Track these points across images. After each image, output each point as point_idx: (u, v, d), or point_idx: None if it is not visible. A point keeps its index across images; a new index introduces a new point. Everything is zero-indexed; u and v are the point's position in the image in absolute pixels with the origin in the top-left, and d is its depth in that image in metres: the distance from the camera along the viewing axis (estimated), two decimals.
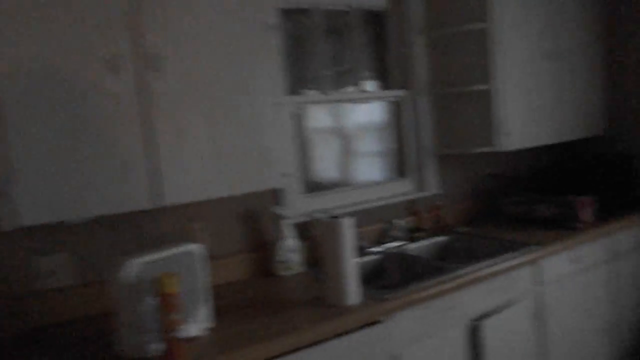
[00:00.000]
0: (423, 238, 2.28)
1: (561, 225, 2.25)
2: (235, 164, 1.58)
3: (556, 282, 2.07)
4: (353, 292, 1.55)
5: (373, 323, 1.55)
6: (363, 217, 2.23)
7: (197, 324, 1.42)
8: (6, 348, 1.45)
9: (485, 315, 1.82)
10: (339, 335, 1.47)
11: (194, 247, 1.43)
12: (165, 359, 1.25)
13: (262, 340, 1.35)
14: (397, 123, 2.43)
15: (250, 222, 1.98)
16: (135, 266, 1.28)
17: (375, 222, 2.27)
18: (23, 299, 1.55)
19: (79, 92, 1.32)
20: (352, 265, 1.55)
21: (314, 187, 2.19)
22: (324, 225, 1.55)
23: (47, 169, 1.29)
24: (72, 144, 1.32)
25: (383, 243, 2.20)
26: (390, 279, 2.09)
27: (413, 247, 2.21)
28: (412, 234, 2.29)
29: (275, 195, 2.01)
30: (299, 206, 2.09)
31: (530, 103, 2.34)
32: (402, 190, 2.43)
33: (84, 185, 1.34)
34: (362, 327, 1.52)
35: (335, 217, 1.56)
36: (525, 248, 1.98)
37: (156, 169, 1.44)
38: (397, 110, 2.43)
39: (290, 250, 1.94)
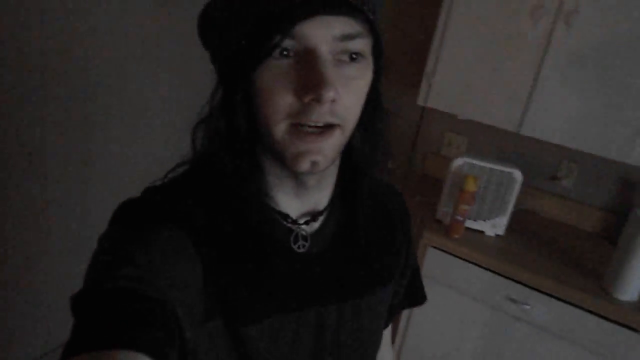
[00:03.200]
0: None
1: None
2: (605, 128, 1.66)
3: None
4: (627, 290, 1.53)
5: (631, 328, 1.52)
6: None
7: (490, 227, 1.83)
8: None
9: None
10: (593, 313, 1.56)
11: (515, 172, 1.76)
12: (446, 229, 1.79)
13: (529, 270, 1.64)
14: None
15: (621, 186, 1.97)
16: (461, 161, 1.78)
17: None
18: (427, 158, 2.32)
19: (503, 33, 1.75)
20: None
21: None
22: (636, 219, 1.52)
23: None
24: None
25: None
26: None
27: None
28: None
29: None
30: None
31: None
32: None
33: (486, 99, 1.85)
34: (616, 323, 1.53)
35: None
36: None
37: (528, 104, 1.76)
38: None
39: None
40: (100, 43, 1.84)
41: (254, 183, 0.60)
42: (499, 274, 1.68)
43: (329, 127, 0.54)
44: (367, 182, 0.67)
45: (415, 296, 0.86)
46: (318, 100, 0.50)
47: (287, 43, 0.50)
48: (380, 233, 0.73)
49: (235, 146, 0.57)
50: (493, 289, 1.71)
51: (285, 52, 0.51)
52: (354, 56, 0.53)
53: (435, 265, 1.77)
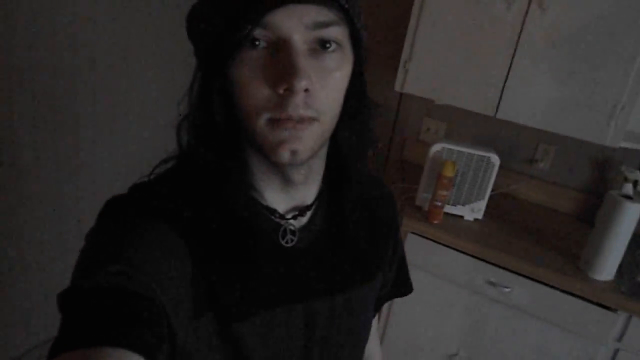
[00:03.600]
0: None
1: None
2: (579, 110, 1.67)
3: None
4: (604, 270, 1.55)
5: (607, 307, 1.54)
6: None
7: (469, 211, 1.83)
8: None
9: None
10: (570, 294, 1.59)
11: (493, 156, 1.77)
12: (426, 215, 1.79)
13: (508, 253, 1.66)
14: None
15: (597, 168, 2.00)
16: (439, 146, 1.78)
17: None
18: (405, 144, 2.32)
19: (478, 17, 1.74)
20: (618, 247, 1.52)
21: None
22: (611, 200, 1.54)
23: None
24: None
25: None
26: None
27: None
28: None
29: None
30: None
31: None
32: None
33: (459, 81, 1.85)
34: (593, 303, 1.56)
35: (630, 197, 1.51)
36: None
37: (504, 88, 1.76)
38: None
39: None
40: (86, 40, 1.81)
41: (240, 178, 0.59)
42: (478, 258, 1.70)
43: (306, 119, 0.53)
44: (354, 176, 0.67)
45: (402, 287, 0.86)
46: (291, 90, 0.49)
47: (259, 33, 0.50)
48: (368, 226, 0.73)
49: (217, 142, 0.57)
50: (473, 273, 1.72)
51: (257, 43, 0.50)
52: (327, 45, 0.52)
53: (416, 251, 1.77)
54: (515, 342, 1.72)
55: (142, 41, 2.03)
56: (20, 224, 1.77)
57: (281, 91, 0.50)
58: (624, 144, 1.69)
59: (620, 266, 1.58)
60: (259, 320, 0.59)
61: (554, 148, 2.05)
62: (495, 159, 1.77)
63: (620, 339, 1.56)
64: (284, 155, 0.54)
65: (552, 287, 1.61)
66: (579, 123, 1.68)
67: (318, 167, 0.65)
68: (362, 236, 0.71)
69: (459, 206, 1.84)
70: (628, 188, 1.79)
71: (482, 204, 1.82)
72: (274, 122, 0.53)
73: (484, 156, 1.77)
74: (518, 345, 1.72)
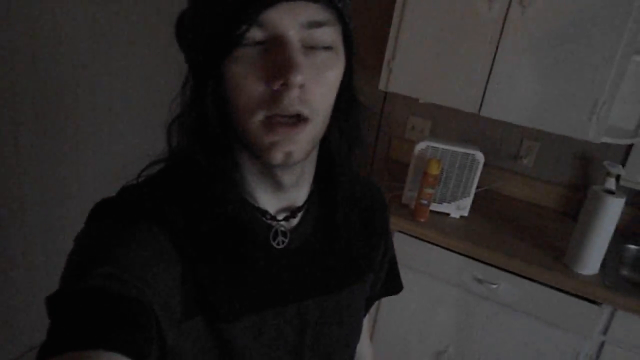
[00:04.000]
0: None
1: None
2: (561, 106, 1.69)
3: None
4: (588, 265, 1.57)
5: (591, 301, 1.56)
6: None
7: (455, 208, 1.84)
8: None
9: None
10: (556, 289, 1.60)
11: (477, 154, 1.78)
12: (412, 213, 1.80)
13: (494, 250, 1.67)
14: None
15: (580, 163, 2.02)
16: (424, 145, 1.79)
17: None
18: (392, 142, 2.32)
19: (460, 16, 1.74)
20: (601, 241, 1.54)
21: None
22: (594, 195, 1.55)
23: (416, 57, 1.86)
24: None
25: None
26: None
27: None
28: None
29: (624, 153, 1.93)
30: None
31: None
32: None
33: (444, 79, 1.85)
34: (578, 297, 1.57)
35: (612, 192, 1.53)
36: None
37: (487, 85, 1.77)
38: None
39: None
40: (73, 39, 1.79)
41: (231, 180, 0.59)
42: (465, 255, 1.71)
43: (300, 120, 0.53)
44: (345, 177, 0.67)
45: (392, 286, 0.87)
46: (286, 84, 0.50)
47: (255, 31, 0.50)
48: (359, 227, 0.73)
49: (209, 143, 0.56)
50: (460, 270, 1.73)
51: (253, 41, 0.51)
52: (321, 45, 0.53)
53: (403, 250, 1.77)
54: (503, 337, 1.73)
55: (126, 38, 2.01)
56: (3, 226, 1.75)
57: (277, 87, 0.50)
58: (605, 139, 1.71)
59: (604, 260, 1.60)
60: (250, 321, 0.59)
61: (538, 144, 2.07)
62: (480, 157, 1.78)
63: (605, 332, 1.58)
64: (278, 157, 0.54)
65: (537, 282, 1.62)
66: (561, 119, 1.69)
67: (309, 169, 0.65)
68: (353, 237, 0.71)
69: (444, 204, 1.85)
70: (611, 183, 1.81)
71: (467, 201, 1.83)
72: (268, 122, 0.53)
73: (469, 154, 1.78)
74: (506, 340, 1.73)
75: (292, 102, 0.51)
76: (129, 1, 1.97)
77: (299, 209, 0.65)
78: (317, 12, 0.51)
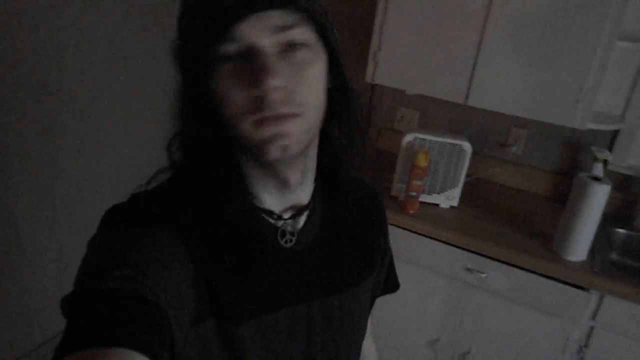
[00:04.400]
0: None
1: None
2: (547, 93, 1.69)
3: None
4: (576, 251, 1.58)
5: (579, 287, 1.58)
6: None
7: (445, 199, 1.85)
8: None
9: None
10: (545, 276, 1.62)
11: (464, 144, 1.78)
12: (402, 205, 1.80)
13: (484, 239, 1.68)
14: None
15: (568, 149, 2.03)
16: (412, 137, 1.79)
17: None
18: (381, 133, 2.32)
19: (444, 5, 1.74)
20: (588, 228, 1.55)
21: None
22: (580, 182, 1.56)
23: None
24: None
25: None
26: None
27: None
28: None
29: (611, 138, 1.94)
30: (634, 159, 1.93)
31: None
32: None
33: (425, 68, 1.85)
34: (567, 283, 1.59)
35: (596, 179, 1.54)
36: None
37: (473, 75, 1.77)
38: None
39: None
40: (69, 42, 1.78)
41: (236, 185, 0.61)
42: (454, 246, 1.72)
43: (289, 116, 0.54)
44: (346, 175, 0.69)
45: (391, 284, 0.89)
46: (264, 90, 0.52)
47: (229, 45, 0.52)
48: (361, 226, 0.75)
49: (209, 154, 0.59)
50: (450, 260, 1.74)
51: (229, 54, 0.53)
52: (296, 45, 0.54)
53: (393, 242, 1.78)
54: (493, 325, 1.75)
55: (125, 44, 2.00)
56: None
57: (256, 93, 0.52)
58: (592, 125, 1.71)
59: (593, 245, 1.62)
60: (261, 322, 0.61)
61: (526, 132, 2.08)
62: (467, 147, 1.78)
63: (594, 317, 1.60)
64: (273, 152, 0.55)
65: (526, 270, 1.64)
66: (547, 107, 1.70)
67: (311, 166, 0.66)
68: (357, 235, 0.73)
69: (434, 194, 1.86)
70: (598, 168, 1.82)
71: (456, 192, 1.84)
72: (258, 121, 0.54)
73: (456, 144, 1.79)
74: (497, 328, 1.75)
75: (274, 104, 0.53)
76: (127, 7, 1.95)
77: (304, 207, 0.66)
78: (286, 17, 0.53)
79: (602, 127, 1.76)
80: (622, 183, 1.96)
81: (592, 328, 1.62)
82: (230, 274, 0.59)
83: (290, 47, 0.54)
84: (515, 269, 1.65)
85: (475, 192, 2.02)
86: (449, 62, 1.78)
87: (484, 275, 1.69)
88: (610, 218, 1.91)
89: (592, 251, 1.63)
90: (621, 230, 1.86)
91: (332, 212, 0.70)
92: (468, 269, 1.71)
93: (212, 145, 0.58)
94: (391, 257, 0.88)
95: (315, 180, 0.68)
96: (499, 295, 1.71)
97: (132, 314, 0.46)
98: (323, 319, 0.67)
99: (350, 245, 0.72)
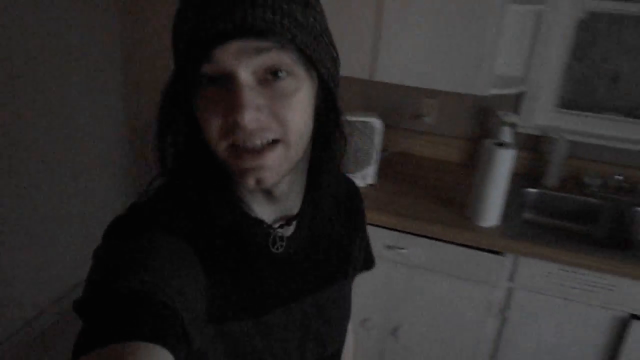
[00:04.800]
0: None
1: None
2: (449, 62, 1.68)
3: None
4: (488, 217, 1.61)
5: (493, 252, 1.60)
6: (620, 156, 1.92)
7: (361, 178, 1.83)
8: None
9: None
10: (462, 245, 1.63)
11: (374, 120, 1.75)
12: None
13: (401, 215, 1.67)
14: None
15: (477, 116, 2.05)
16: None
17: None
18: None
19: None
20: (497, 193, 1.57)
21: (574, 104, 1.98)
22: (485, 148, 1.57)
23: None
24: None
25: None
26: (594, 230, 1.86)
27: None
28: None
29: (516, 101, 1.97)
30: (540, 119, 1.98)
31: None
32: None
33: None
34: (482, 249, 1.61)
35: (501, 144, 1.55)
36: None
37: (375, 50, 1.73)
38: None
39: None
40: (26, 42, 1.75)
41: (228, 193, 0.62)
42: (372, 225, 1.70)
43: (268, 144, 0.55)
44: (330, 184, 0.69)
45: (368, 262, 0.92)
46: (238, 124, 0.52)
47: (207, 67, 0.52)
48: (345, 224, 0.79)
49: (199, 168, 0.60)
50: (371, 239, 1.72)
51: (207, 76, 0.53)
52: (278, 73, 0.53)
53: None
54: (421, 298, 1.76)
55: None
56: None
57: (231, 121, 0.53)
58: (494, 91, 1.73)
59: (506, 208, 1.64)
60: (259, 322, 0.65)
61: (437, 102, 2.08)
62: (377, 123, 1.76)
63: (511, 278, 1.63)
64: (250, 183, 0.56)
65: (444, 240, 1.65)
66: (450, 76, 1.69)
67: (299, 179, 0.67)
68: (341, 229, 0.77)
69: (349, 175, 1.82)
70: (506, 132, 1.85)
71: (371, 169, 1.82)
72: (234, 149, 0.55)
73: (366, 121, 1.75)
74: (424, 300, 1.76)
75: (247, 137, 0.53)
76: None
77: (294, 217, 0.68)
78: (267, 43, 0.51)
79: (505, 91, 1.78)
80: (532, 144, 2.01)
81: (511, 290, 1.65)
82: (228, 279, 0.62)
83: (272, 74, 0.53)
84: (433, 241, 1.65)
85: (392, 167, 2.01)
86: (351, 39, 1.73)
87: (404, 251, 1.69)
88: (523, 179, 1.95)
89: (506, 214, 1.66)
90: (533, 190, 1.91)
91: (318, 212, 0.71)
92: (388, 247, 1.70)
93: (199, 160, 0.60)
94: (368, 240, 0.92)
95: (307, 189, 0.69)
96: (421, 268, 1.71)
97: (148, 313, 0.48)
98: (315, 312, 0.72)
99: (336, 241, 0.76)
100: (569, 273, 1.57)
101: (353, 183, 0.87)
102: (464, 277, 1.67)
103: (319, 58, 0.57)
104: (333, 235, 0.76)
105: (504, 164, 1.53)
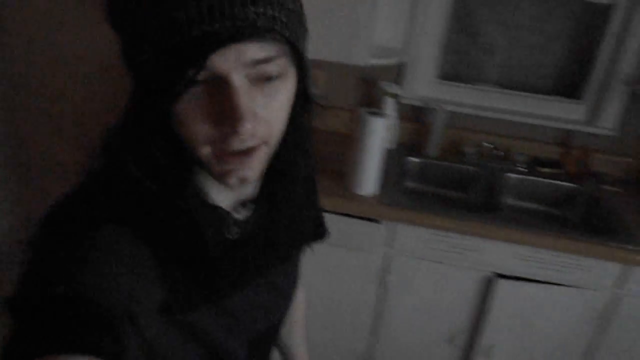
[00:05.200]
0: (545, 175, 1.95)
1: None
2: (328, 33, 1.67)
3: None
4: (366, 185, 1.63)
5: (372, 220, 1.64)
6: (495, 126, 2.02)
7: None
8: None
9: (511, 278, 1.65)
10: (342, 214, 1.65)
11: None
12: None
13: None
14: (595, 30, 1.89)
15: (363, 87, 2.07)
16: None
17: (517, 137, 2.04)
18: None
19: None
20: (373, 161, 1.59)
21: (454, 76, 2.05)
22: (359, 117, 1.58)
23: None
24: None
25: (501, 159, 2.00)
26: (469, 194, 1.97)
27: (514, 176, 1.95)
28: (536, 166, 1.98)
29: (399, 72, 2.01)
30: (421, 90, 2.03)
31: None
32: (565, 115, 2.01)
33: None
34: (361, 218, 1.64)
35: (375, 113, 1.57)
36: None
37: None
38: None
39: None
40: None
41: (180, 179, 0.58)
42: None
43: (254, 147, 0.53)
44: (290, 167, 0.67)
45: (320, 233, 0.93)
46: (236, 132, 0.48)
47: (199, 74, 0.46)
48: (305, 200, 0.77)
49: (158, 162, 0.55)
50: None
51: (197, 81, 0.47)
52: (272, 77, 0.51)
53: None
54: (312, 273, 1.76)
55: None
56: None
57: (225, 131, 0.49)
58: (374, 61, 1.74)
59: (386, 177, 1.67)
60: (220, 308, 0.64)
61: (325, 73, 2.07)
62: None
63: (390, 245, 1.68)
64: (232, 183, 0.55)
65: (327, 211, 1.65)
66: (330, 46, 1.68)
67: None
68: (301, 211, 0.76)
69: None
70: (388, 102, 1.88)
71: None
72: (219, 154, 0.52)
73: None
74: (315, 275, 1.76)
75: (242, 142, 0.51)
76: None
77: (252, 201, 0.67)
78: (264, 49, 0.48)
79: (385, 62, 1.80)
80: (416, 114, 2.06)
81: (390, 257, 1.70)
82: (184, 267, 0.59)
83: (263, 78, 0.50)
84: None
85: None
86: None
87: None
88: (406, 149, 2.00)
89: (385, 183, 1.69)
90: (414, 159, 1.97)
91: (279, 194, 0.69)
92: None
93: (161, 156, 0.55)
94: (320, 210, 0.92)
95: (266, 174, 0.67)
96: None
97: (88, 321, 0.46)
98: (269, 287, 0.73)
99: (294, 219, 0.74)
100: (442, 237, 1.63)
101: (314, 160, 0.83)
102: (348, 246, 1.69)
103: (305, 47, 0.56)
104: (293, 214, 0.73)
105: (377, 132, 1.55)
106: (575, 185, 1.91)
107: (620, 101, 1.91)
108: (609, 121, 1.94)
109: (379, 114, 1.57)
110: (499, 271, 1.65)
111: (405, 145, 2.01)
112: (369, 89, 2.08)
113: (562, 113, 2.00)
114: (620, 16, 1.84)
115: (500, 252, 1.62)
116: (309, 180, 0.81)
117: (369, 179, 1.62)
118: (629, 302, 1.61)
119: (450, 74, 2.06)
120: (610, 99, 1.91)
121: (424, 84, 2.03)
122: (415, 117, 2.06)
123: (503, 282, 1.64)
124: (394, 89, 1.91)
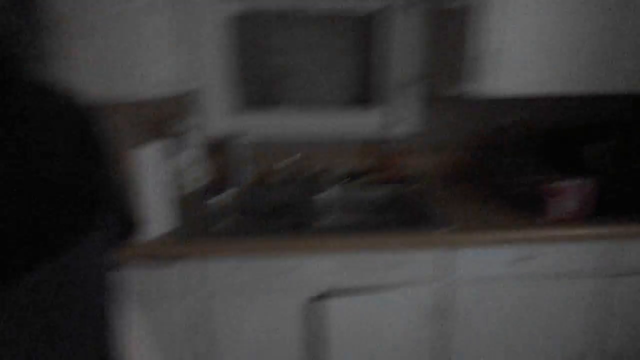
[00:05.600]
0: (360, 186, 1.92)
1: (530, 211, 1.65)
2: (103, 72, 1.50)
3: (476, 282, 1.59)
4: (153, 225, 1.45)
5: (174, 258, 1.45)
6: (305, 146, 1.97)
7: None
8: None
9: (339, 294, 1.53)
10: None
11: None
12: None
13: None
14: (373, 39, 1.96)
15: (161, 128, 1.94)
16: None
17: (330, 153, 2.00)
18: None
19: None
20: (154, 199, 1.42)
21: (260, 102, 1.99)
22: (132, 155, 1.42)
23: None
24: None
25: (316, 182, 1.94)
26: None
27: (324, 195, 1.89)
28: (352, 179, 1.95)
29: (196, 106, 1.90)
30: (222, 123, 1.93)
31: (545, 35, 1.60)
32: (363, 123, 2.03)
33: None
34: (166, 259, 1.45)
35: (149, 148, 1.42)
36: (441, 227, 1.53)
37: None
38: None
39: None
40: None
41: None
42: None
43: None
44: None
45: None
46: None
47: None
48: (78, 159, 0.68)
49: None
50: None
51: None
52: None
53: None
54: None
55: None
56: None
57: None
58: (155, 94, 1.60)
59: (188, 215, 1.50)
60: (23, 287, 0.57)
61: (117, 117, 1.90)
62: None
63: (204, 285, 1.49)
64: None
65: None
66: (106, 85, 1.52)
67: None
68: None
69: None
70: (189, 137, 1.73)
71: None
72: None
73: None
74: None
75: None
76: None
77: None
78: None
79: (168, 94, 1.67)
80: (222, 148, 1.94)
81: (205, 299, 1.51)
82: None
83: None
84: None
85: None
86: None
87: None
88: (216, 182, 1.87)
89: (188, 220, 1.52)
90: (223, 193, 1.83)
91: None
92: None
93: None
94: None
95: None
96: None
97: None
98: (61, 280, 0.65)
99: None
100: (256, 263, 1.48)
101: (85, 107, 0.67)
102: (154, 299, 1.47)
103: None
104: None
105: (150, 164, 1.39)
106: (389, 189, 1.90)
107: (413, 102, 1.96)
108: (409, 123, 1.98)
109: (151, 148, 1.42)
110: (323, 289, 1.53)
111: (216, 180, 1.88)
112: (162, 127, 1.92)
113: (366, 123, 2.01)
114: (382, 23, 1.91)
115: (320, 267, 1.51)
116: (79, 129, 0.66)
117: (157, 218, 1.44)
118: (461, 290, 1.58)
119: (255, 101, 2.00)
120: (405, 102, 1.96)
121: (224, 116, 1.94)
122: (222, 150, 1.95)
123: (334, 302, 1.52)
124: (191, 123, 1.79)
